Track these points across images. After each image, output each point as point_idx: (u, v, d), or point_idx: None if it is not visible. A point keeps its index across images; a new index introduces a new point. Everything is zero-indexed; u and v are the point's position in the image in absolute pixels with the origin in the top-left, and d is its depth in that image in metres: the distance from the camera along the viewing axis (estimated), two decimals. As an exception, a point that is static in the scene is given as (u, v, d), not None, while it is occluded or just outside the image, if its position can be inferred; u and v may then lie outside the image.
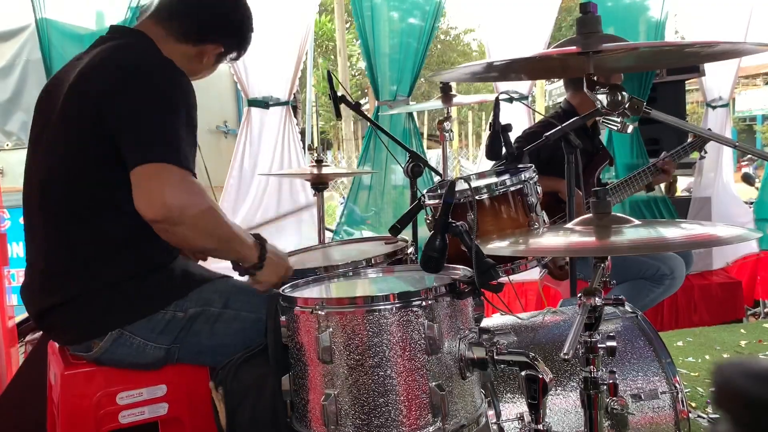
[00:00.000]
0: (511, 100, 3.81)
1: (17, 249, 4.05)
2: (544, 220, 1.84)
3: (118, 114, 1.51)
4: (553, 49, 1.53)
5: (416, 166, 2.39)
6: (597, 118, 2.19)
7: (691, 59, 2.18)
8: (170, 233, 1.48)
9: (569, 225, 1.41)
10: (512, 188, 1.78)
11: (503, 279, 1.64)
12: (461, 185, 1.60)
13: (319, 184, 2.60)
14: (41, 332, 2.68)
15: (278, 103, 3.62)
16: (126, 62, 1.57)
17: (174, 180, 1.46)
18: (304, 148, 3.82)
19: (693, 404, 2.77)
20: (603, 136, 4.06)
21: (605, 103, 1.38)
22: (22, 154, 4.17)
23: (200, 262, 1.84)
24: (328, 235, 3.92)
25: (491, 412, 1.52)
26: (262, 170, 3.58)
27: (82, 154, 1.55)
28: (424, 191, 1.94)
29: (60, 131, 1.59)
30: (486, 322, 1.66)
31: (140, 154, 1.47)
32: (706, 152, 3.41)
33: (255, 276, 1.64)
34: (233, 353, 1.60)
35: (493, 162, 2.16)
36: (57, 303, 1.59)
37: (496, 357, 1.31)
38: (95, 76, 1.56)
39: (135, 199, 1.46)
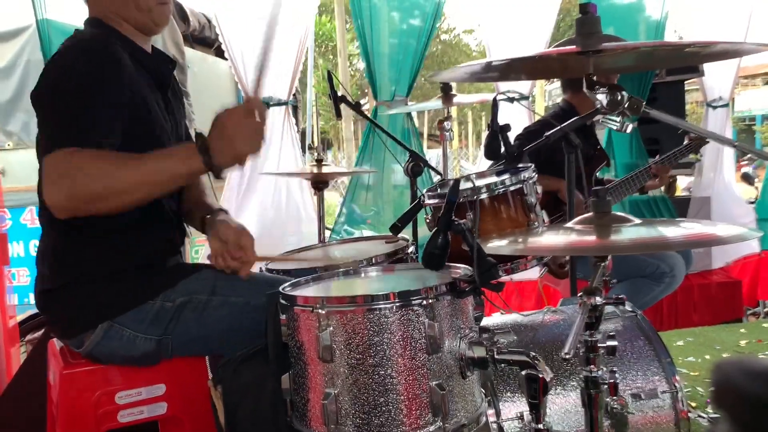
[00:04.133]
0: (511, 100, 3.81)
1: (17, 249, 4.05)
2: (543, 220, 1.84)
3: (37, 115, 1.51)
4: (553, 49, 1.53)
5: (416, 165, 2.39)
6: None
7: (691, 59, 2.19)
8: (88, 214, 1.40)
9: (569, 224, 1.41)
10: (512, 188, 1.79)
11: (504, 278, 1.64)
12: (462, 185, 1.60)
13: (319, 183, 2.60)
14: (41, 332, 2.68)
15: (278, 103, 3.62)
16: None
17: (53, 174, 1.37)
18: (304, 147, 3.82)
19: (693, 404, 2.77)
20: (602, 136, 4.07)
21: (605, 102, 1.38)
22: (22, 154, 4.20)
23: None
24: (328, 234, 3.92)
25: (491, 412, 1.53)
26: (262, 170, 3.58)
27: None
28: (424, 191, 1.94)
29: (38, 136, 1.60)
30: (486, 322, 1.66)
31: (39, 153, 1.46)
32: (701, 155, 3.40)
33: (220, 161, 1.40)
34: (225, 340, 1.60)
35: (491, 162, 2.16)
36: (50, 288, 1.61)
37: (496, 356, 1.31)
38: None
39: None
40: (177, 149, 1.51)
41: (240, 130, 1.39)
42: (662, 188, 3.38)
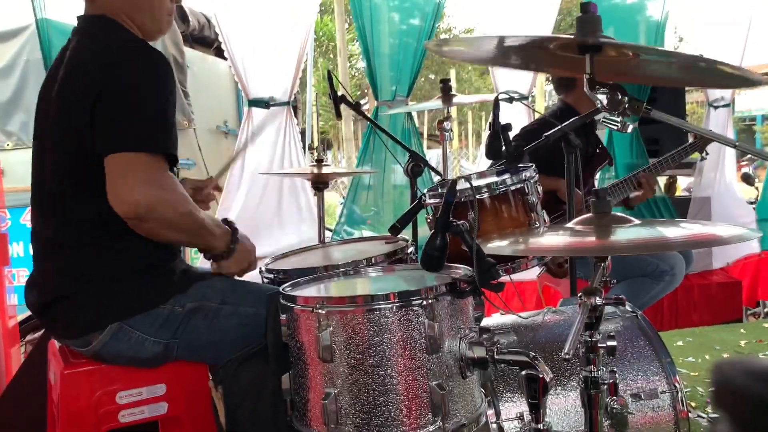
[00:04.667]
0: (511, 100, 3.81)
1: (17, 249, 4.05)
2: (545, 219, 1.84)
3: (99, 109, 1.50)
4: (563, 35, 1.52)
5: (416, 165, 2.39)
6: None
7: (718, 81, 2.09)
8: (139, 228, 1.50)
9: (569, 224, 1.41)
10: (512, 187, 1.79)
11: (504, 278, 1.64)
12: (462, 184, 1.59)
13: (320, 183, 2.60)
14: (41, 332, 2.68)
15: (279, 104, 3.62)
16: (104, 59, 1.55)
17: (142, 174, 1.44)
18: (304, 147, 3.82)
19: (693, 404, 2.77)
20: (603, 136, 4.07)
21: (605, 102, 1.38)
22: (22, 154, 4.20)
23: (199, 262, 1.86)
24: (328, 235, 3.92)
25: (491, 412, 1.52)
26: (262, 170, 3.58)
27: (81, 151, 1.55)
28: (425, 191, 1.94)
29: (57, 128, 1.59)
30: (486, 322, 1.66)
31: (110, 143, 1.46)
32: (707, 153, 3.38)
33: (220, 264, 1.69)
34: (231, 349, 1.60)
35: (492, 161, 2.16)
36: (60, 296, 1.60)
37: (496, 356, 1.31)
38: (80, 76, 1.55)
39: (107, 192, 1.45)
40: (220, 224, 1.68)
41: (247, 264, 1.74)
42: (662, 188, 3.37)
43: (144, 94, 1.50)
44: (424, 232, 1.82)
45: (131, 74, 1.52)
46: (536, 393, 1.26)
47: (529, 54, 1.66)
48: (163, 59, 1.57)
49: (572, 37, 1.36)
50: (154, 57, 1.56)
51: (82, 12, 1.71)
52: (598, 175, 3.16)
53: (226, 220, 1.71)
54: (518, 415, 1.54)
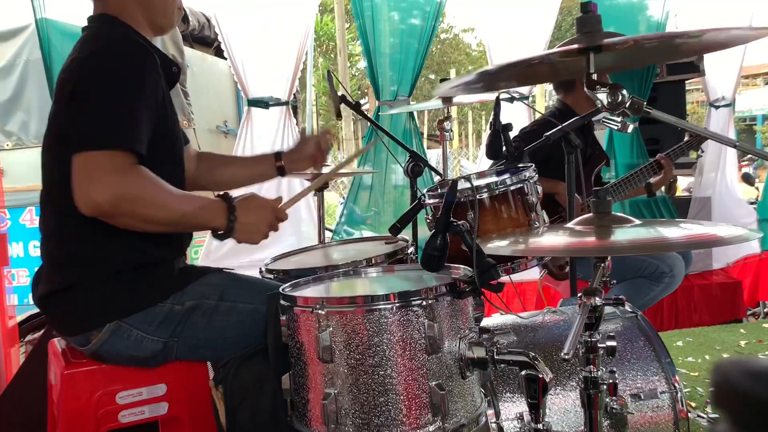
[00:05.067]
0: (511, 99, 3.81)
1: (17, 249, 4.05)
2: (544, 219, 1.84)
3: (72, 108, 1.50)
4: (554, 49, 1.53)
5: (416, 165, 2.39)
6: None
7: (687, 51, 2.13)
8: (115, 224, 1.47)
9: (569, 225, 1.41)
10: (512, 187, 1.79)
11: (503, 279, 1.64)
12: (462, 184, 1.59)
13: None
14: (42, 332, 2.68)
15: (278, 103, 3.62)
16: (81, 56, 1.56)
17: (99, 172, 1.40)
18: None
19: (692, 404, 2.77)
20: (603, 136, 4.07)
21: (605, 102, 1.37)
22: (22, 154, 4.20)
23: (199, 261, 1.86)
24: (328, 235, 3.92)
25: (491, 412, 1.52)
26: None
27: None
28: (424, 191, 1.94)
29: (53, 132, 1.61)
30: (486, 322, 1.66)
31: (74, 144, 1.44)
32: (703, 150, 3.39)
33: (233, 237, 1.58)
34: (231, 346, 1.60)
35: (492, 161, 2.16)
36: (59, 288, 1.60)
37: (496, 357, 1.31)
38: (68, 76, 1.55)
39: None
40: (211, 204, 1.56)
41: (262, 226, 1.60)
42: (662, 188, 3.37)
43: (107, 91, 1.47)
44: (424, 232, 1.82)
45: (98, 71, 1.50)
46: (536, 393, 1.26)
47: (530, 72, 1.67)
48: (144, 53, 1.55)
49: (575, 46, 1.36)
50: (129, 50, 1.54)
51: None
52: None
53: (224, 195, 1.61)
54: (518, 415, 1.54)
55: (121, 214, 1.43)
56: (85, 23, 1.69)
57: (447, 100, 2.65)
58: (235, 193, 1.64)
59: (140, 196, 1.44)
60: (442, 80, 2.70)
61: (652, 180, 3.00)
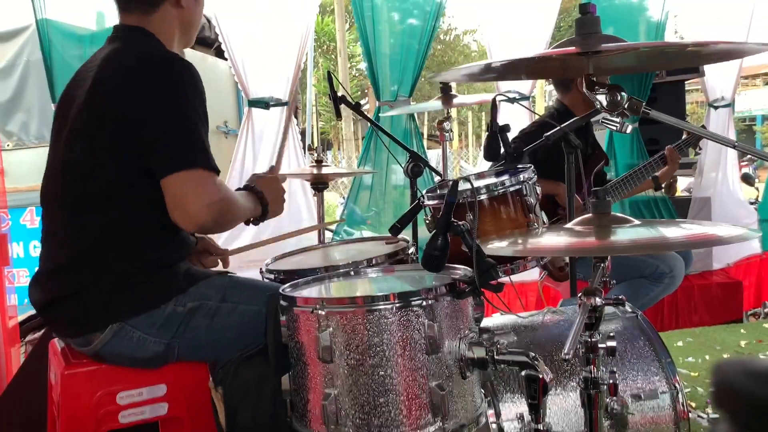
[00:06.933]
0: (511, 100, 3.80)
1: (17, 249, 4.05)
2: (543, 221, 1.84)
3: (145, 117, 1.53)
4: (553, 49, 1.53)
5: (416, 166, 2.39)
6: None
7: (692, 60, 2.17)
8: (206, 232, 1.71)
9: (569, 225, 1.41)
10: (511, 188, 1.79)
11: (503, 279, 1.64)
12: (462, 185, 1.59)
13: (319, 184, 2.60)
14: (42, 332, 2.68)
15: (279, 104, 3.62)
16: (145, 64, 1.59)
17: (204, 191, 1.51)
18: (304, 148, 3.81)
19: (693, 404, 2.77)
20: (604, 136, 4.06)
21: (605, 103, 1.38)
22: (22, 155, 4.20)
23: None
24: (328, 235, 3.92)
25: (491, 412, 1.52)
26: (262, 170, 3.56)
27: (102, 153, 1.57)
28: (424, 191, 1.94)
29: (79, 131, 1.61)
30: (486, 322, 1.66)
31: (171, 162, 1.51)
32: (700, 148, 3.40)
33: (267, 218, 1.79)
34: (232, 347, 1.61)
35: (491, 163, 2.15)
36: (64, 294, 1.60)
37: (496, 357, 1.31)
38: (118, 78, 1.58)
39: (169, 209, 1.51)
40: (249, 195, 1.74)
41: (280, 199, 1.84)
42: (663, 189, 3.38)
43: (181, 113, 1.57)
44: (424, 232, 1.82)
45: (168, 95, 1.57)
46: (536, 393, 1.26)
47: (534, 66, 1.68)
48: (194, 70, 1.65)
49: (573, 48, 1.36)
50: (189, 71, 1.62)
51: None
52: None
53: (248, 186, 1.76)
54: (518, 415, 1.54)
55: (221, 223, 1.60)
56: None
57: (447, 101, 2.65)
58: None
59: (233, 204, 1.61)
60: (442, 85, 2.70)
61: (658, 173, 3.01)
